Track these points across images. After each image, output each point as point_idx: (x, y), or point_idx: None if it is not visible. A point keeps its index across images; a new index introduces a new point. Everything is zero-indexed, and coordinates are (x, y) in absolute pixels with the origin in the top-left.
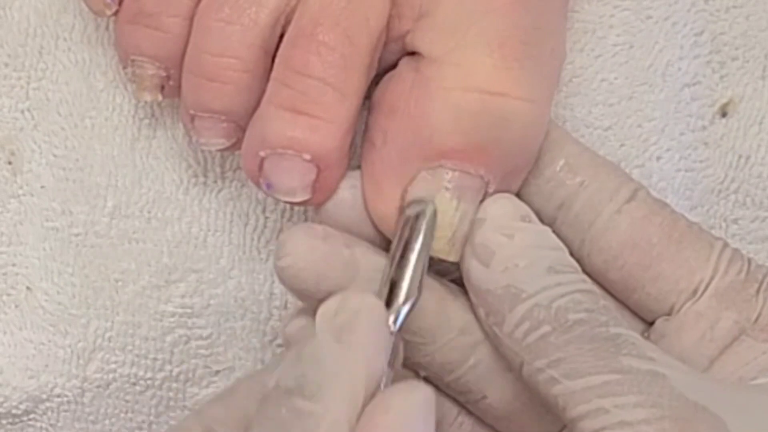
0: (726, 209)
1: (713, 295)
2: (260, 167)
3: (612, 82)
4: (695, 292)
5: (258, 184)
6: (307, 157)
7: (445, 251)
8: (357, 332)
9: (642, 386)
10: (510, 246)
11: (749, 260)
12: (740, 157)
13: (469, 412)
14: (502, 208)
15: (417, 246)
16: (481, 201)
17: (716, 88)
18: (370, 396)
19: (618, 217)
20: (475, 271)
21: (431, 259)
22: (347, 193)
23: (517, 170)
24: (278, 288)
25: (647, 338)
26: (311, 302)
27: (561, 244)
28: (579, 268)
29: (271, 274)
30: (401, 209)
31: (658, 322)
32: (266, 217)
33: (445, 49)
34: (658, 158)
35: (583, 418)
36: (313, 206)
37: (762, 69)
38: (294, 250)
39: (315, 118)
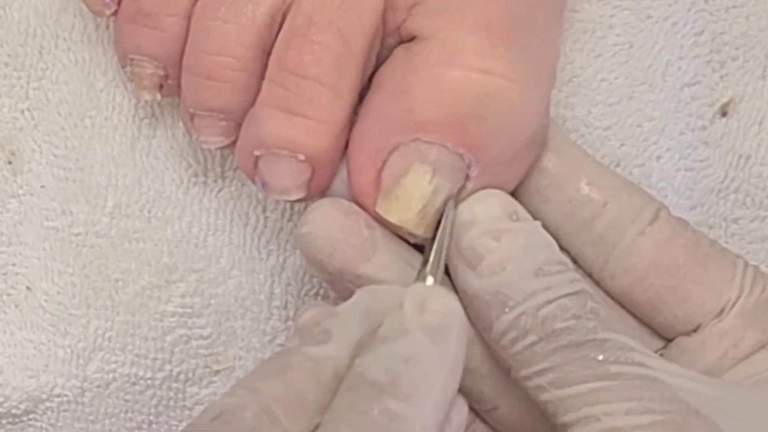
0: (726, 209)
1: (739, 314)
2: (255, 165)
3: (612, 82)
4: (721, 311)
5: (253, 181)
6: (302, 158)
7: (413, 223)
8: (451, 338)
9: (632, 392)
10: (498, 250)
11: None
12: (740, 156)
13: (483, 421)
14: (489, 208)
15: (442, 250)
16: (463, 187)
17: (716, 87)
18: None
19: (642, 239)
20: (462, 276)
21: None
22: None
23: (505, 160)
24: (278, 288)
25: (663, 352)
26: (322, 275)
27: (551, 240)
28: (569, 264)
29: (271, 274)
30: (377, 183)
31: (679, 338)
32: (266, 217)
33: (434, 28)
34: (658, 158)
35: (574, 425)
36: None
37: (762, 69)
38: (316, 218)
39: (310, 120)
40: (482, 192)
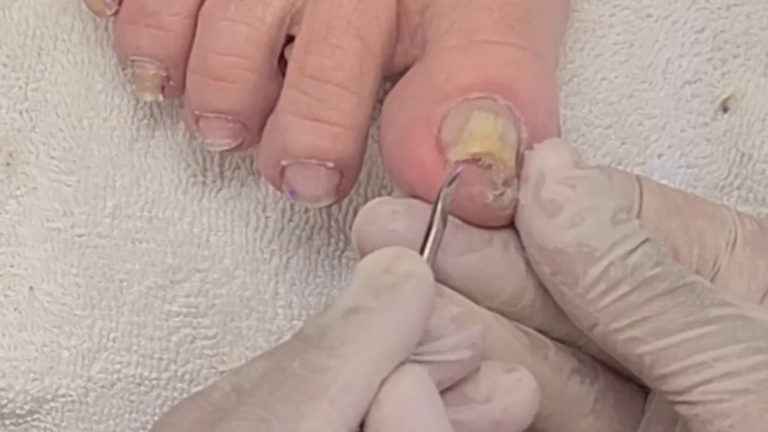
0: (729, 205)
1: (745, 243)
2: (281, 174)
3: (612, 81)
4: (729, 243)
5: (281, 191)
6: (331, 165)
7: (497, 147)
8: (401, 296)
9: (738, 334)
10: (575, 198)
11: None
12: (743, 154)
13: None
14: (559, 156)
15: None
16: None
17: (717, 85)
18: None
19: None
20: (540, 229)
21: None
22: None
23: (540, 124)
24: (283, 287)
25: None
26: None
27: (613, 187)
28: (634, 210)
29: (275, 274)
30: (438, 148)
31: None
32: (267, 217)
33: (449, 22)
34: (660, 155)
35: (680, 374)
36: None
37: (763, 66)
38: (371, 215)
39: (336, 126)
40: (549, 141)
